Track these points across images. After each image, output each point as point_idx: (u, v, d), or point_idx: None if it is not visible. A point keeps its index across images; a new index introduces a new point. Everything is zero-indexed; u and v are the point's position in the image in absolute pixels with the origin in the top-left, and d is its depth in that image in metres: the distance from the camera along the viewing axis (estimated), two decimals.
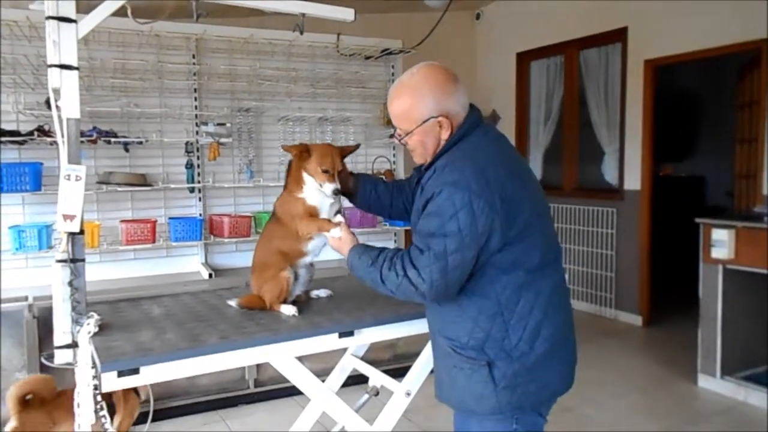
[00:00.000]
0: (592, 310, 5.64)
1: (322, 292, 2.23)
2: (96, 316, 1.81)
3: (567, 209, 5.83)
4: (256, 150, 4.14)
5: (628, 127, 5.26)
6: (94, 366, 1.65)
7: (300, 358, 1.90)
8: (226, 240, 3.90)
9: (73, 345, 1.82)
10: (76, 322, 1.82)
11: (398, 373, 2.16)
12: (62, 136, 1.82)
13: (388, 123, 4.33)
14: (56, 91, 1.82)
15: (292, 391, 3.35)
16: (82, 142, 3.27)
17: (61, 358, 1.84)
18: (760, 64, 4.33)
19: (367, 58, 4.36)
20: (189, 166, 3.88)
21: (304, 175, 1.91)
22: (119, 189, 3.60)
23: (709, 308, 3.78)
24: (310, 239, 1.98)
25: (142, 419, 2.79)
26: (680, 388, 3.89)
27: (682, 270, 5.25)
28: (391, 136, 4.25)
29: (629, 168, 5.28)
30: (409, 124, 1.63)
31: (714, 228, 3.66)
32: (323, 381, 2.28)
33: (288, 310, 2.00)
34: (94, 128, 3.53)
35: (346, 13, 2.23)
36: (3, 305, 3.09)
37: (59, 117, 1.83)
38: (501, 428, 1.62)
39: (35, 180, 3.31)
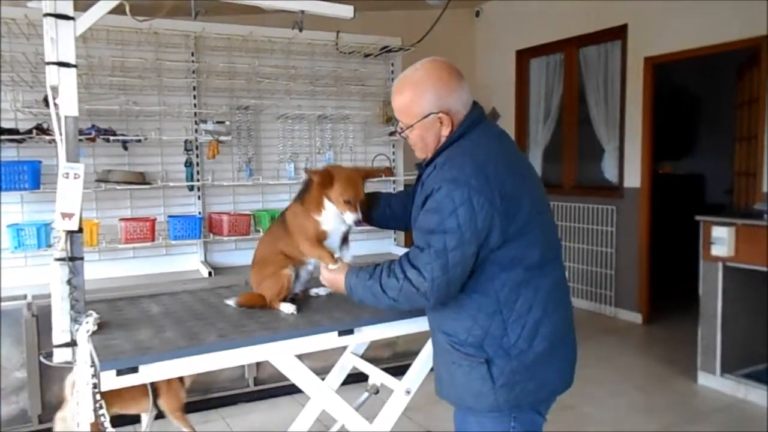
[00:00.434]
0: (591, 307, 5.64)
1: (322, 290, 2.22)
2: (95, 315, 1.81)
3: (566, 207, 5.83)
4: (255, 148, 4.14)
5: (627, 124, 5.25)
6: (93, 365, 1.64)
7: (300, 357, 1.90)
8: (226, 238, 3.89)
9: (72, 343, 1.81)
10: (74, 320, 1.81)
11: (398, 372, 2.16)
12: (60, 134, 1.81)
13: (388, 121, 4.33)
14: (54, 89, 1.81)
15: (292, 390, 3.35)
16: (80, 140, 3.28)
17: (59, 356, 1.83)
18: (760, 61, 4.32)
19: (367, 55, 4.35)
20: (188, 164, 3.87)
21: (325, 200, 1.87)
22: (118, 187, 3.59)
23: (708, 306, 3.78)
24: None
25: (139, 418, 2.79)
26: (680, 386, 3.89)
27: (682, 268, 5.26)
28: (391, 133, 4.24)
29: (629, 166, 5.28)
30: (410, 119, 1.63)
31: (714, 225, 3.66)
32: (323, 379, 2.28)
33: (287, 308, 1.99)
34: (93, 126, 3.52)
35: (346, 11, 2.22)
36: (2, 304, 3.08)
37: (57, 115, 1.82)
38: (499, 426, 1.62)
39: (34, 178, 3.30)
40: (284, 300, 2.03)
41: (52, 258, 1.84)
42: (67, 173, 1.80)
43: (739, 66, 5.11)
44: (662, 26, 4.90)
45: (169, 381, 2.70)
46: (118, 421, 3.13)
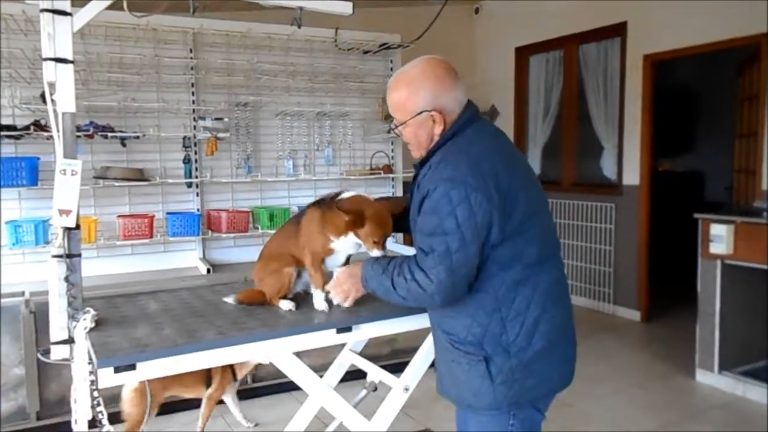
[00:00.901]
0: (590, 305, 5.64)
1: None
2: (92, 312, 1.80)
3: (565, 204, 5.83)
4: (254, 145, 4.13)
5: (627, 122, 5.25)
6: (90, 362, 1.64)
7: (298, 354, 1.89)
8: (224, 235, 3.89)
9: (70, 341, 1.81)
10: (72, 317, 1.80)
11: (397, 369, 2.16)
12: (58, 130, 1.81)
13: (387, 118, 4.32)
14: (51, 85, 1.80)
15: (290, 387, 3.35)
16: (78, 136, 3.26)
17: (57, 353, 1.83)
18: (760, 58, 4.32)
19: (366, 52, 4.35)
20: (186, 161, 3.87)
21: (351, 234, 1.84)
22: (116, 184, 3.59)
23: (707, 303, 3.78)
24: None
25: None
26: (678, 383, 3.90)
27: (681, 265, 5.26)
28: (389, 130, 4.23)
29: (628, 163, 5.28)
30: (403, 115, 1.64)
31: (713, 223, 3.66)
32: (321, 376, 2.28)
33: (286, 305, 1.99)
34: (91, 123, 3.51)
35: (344, 7, 2.21)
36: (0, 300, 3.07)
37: (55, 111, 1.81)
38: (498, 423, 1.61)
39: (32, 175, 3.30)
40: (284, 297, 2.02)
41: (50, 255, 1.84)
42: (65, 170, 1.79)
43: (739, 63, 5.10)
44: (662, 23, 4.89)
45: (223, 369, 2.93)
46: (177, 405, 3.23)
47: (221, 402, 3.15)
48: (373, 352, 2.44)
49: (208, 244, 4.02)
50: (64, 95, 1.79)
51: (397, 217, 1.88)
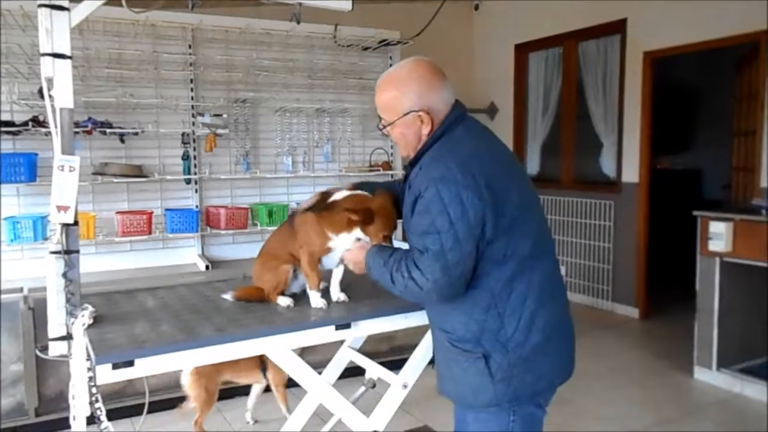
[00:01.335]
0: (588, 302, 5.64)
1: (322, 285, 2.21)
2: (90, 308, 1.80)
3: (564, 201, 5.83)
4: (252, 141, 4.12)
5: (626, 119, 5.24)
6: (88, 358, 1.64)
7: (297, 350, 1.89)
8: (223, 232, 3.88)
9: (68, 337, 1.81)
10: (70, 314, 1.80)
11: (395, 366, 2.16)
12: (55, 126, 1.80)
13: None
14: (49, 81, 1.80)
15: (289, 384, 3.35)
16: (77, 132, 3.27)
17: (55, 350, 1.83)
18: (759, 56, 4.31)
19: (365, 48, 4.34)
20: (185, 157, 3.86)
21: (357, 230, 1.84)
22: (115, 180, 3.58)
23: (705, 301, 3.79)
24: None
25: (137, 411, 2.78)
26: (676, 381, 3.90)
27: (679, 263, 5.26)
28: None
29: (627, 160, 5.27)
30: (391, 116, 1.65)
31: (711, 221, 3.66)
32: (320, 373, 2.28)
33: (284, 301, 1.99)
34: (90, 119, 3.50)
35: (344, 3, 2.20)
36: None
37: (52, 107, 1.81)
38: (498, 421, 1.62)
39: (30, 171, 3.29)
40: (283, 294, 2.02)
41: (48, 251, 1.83)
42: (63, 166, 1.79)
43: (738, 61, 5.10)
44: (661, 21, 4.88)
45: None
46: (228, 391, 3.29)
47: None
48: (372, 348, 2.44)
49: (206, 241, 4.02)
50: (62, 91, 1.79)
51: (397, 206, 1.88)
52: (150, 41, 3.70)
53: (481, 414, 1.63)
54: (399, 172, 4.56)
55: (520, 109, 6.32)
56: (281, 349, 1.85)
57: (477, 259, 1.53)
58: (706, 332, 3.81)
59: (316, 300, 1.96)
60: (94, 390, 1.64)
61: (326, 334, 1.87)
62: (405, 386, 2.02)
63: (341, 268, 2.04)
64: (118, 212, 3.63)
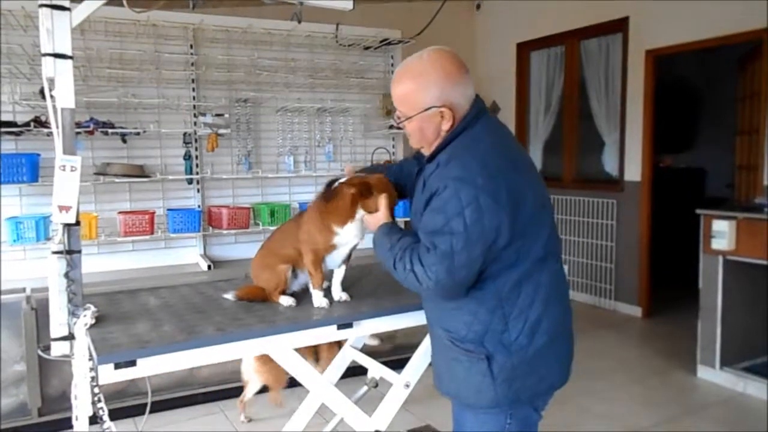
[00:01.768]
0: (591, 301, 5.64)
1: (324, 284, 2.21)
2: (92, 308, 1.80)
3: (567, 200, 5.82)
4: (254, 141, 4.12)
5: (628, 117, 5.23)
6: (90, 358, 1.64)
7: (299, 350, 1.89)
8: (225, 231, 3.88)
9: (70, 337, 1.81)
10: (72, 313, 1.80)
11: (397, 365, 2.16)
12: (57, 126, 1.80)
13: (388, 114, 4.31)
14: (50, 81, 1.80)
15: (291, 383, 3.34)
16: (78, 132, 3.27)
17: (57, 350, 1.83)
18: (761, 54, 4.30)
19: (366, 48, 4.34)
20: (187, 157, 3.86)
21: (359, 211, 1.83)
22: (117, 180, 3.58)
23: (708, 299, 3.78)
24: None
25: (140, 411, 2.79)
26: (679, 379, 3.89)
27: (682, 261, 5.25)
28: (391, 126, 4.23)
29: (629, 159, 5.26)
30: (410, 110, 1.58)
31: (714, 219, 3.65)
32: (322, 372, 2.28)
33: (286, 300, 1.99)
34: (91, 119, 3.51)
35: (345, 2, 2.19)
36: (1, 297, 3.07)
37: (54, 107, 1.81)
38: (495, 422, 1.61)
39: (32, 171, 3.29)
40: (284, 293, 2.02)
41: (50, 251, 1.83)
42: (64, 166, 1.79)
43: (740, 59, 5.08)
44: (663, 19, 4.87)
45: (329, 346, 2.94)
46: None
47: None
48: (374, 348, 2.44)
49: (208, 241, 4.02)
50: (64, 91, 1.79)
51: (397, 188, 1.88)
52: (151, 41, 3.70)
53: (480, 415, 1.62)
54: None
55: (522, 108, 6.31)
56: (283, 348, 1.85)
57: (486, 262, 1.50)
58: (709, 331, 3.80)
59: (318, 299, 1.97)
60: (96, 390, 1.64)
61: (328, 334, 1.87)
62: (407, 385, 2.02)
63: (343, 267, 2.04)
64: (120, 212, 3.63)
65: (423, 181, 1.60)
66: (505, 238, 1.48)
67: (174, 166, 3.85)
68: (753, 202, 4.01)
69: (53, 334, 1.82)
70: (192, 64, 3.84)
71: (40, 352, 1.91)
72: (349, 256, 2.02)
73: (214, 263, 3.81)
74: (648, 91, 5.05)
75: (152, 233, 3.65)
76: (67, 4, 1.77)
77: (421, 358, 2.05)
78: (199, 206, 3.93)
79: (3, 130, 3.25)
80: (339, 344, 3.01)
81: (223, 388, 3.57)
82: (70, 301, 1.81)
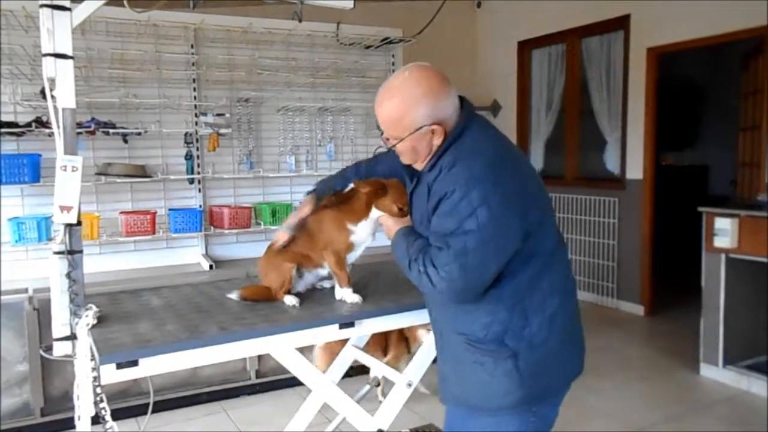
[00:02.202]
0: (593, 299, 5.63)
1: (326, 283, 2.21)
2: (94, 308, 1.80)
3: (568, 199, 5.81)
4: (255, 140, 4.12)
5: (630, 115, 5.22)
6: (93, 358, 1.64)
7: (301, 349, 1.89)
8: (227, 231, 3.88)
9: (72, 337, 1.81)
10: (74, 314, 1.80)
11: None
12: (58, 126, 1.80)
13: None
14: (51, 81, 1.80)
15: (294, 382, 3.35)
16: (80, 133, 3.27)
17: (59, 350, 1.83)
18: (764, 51, 4.29)
19: (367, 47, 4.32)
20: (188, 157, 3.86)
21: (373, 210, 1.87)
22: (118, 180, 3.58)
23: (711, 297, 3.77)
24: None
25: (142, 411, 2.79)
26: (682, 378, 3.89)
27: (684, 259, 5.24)
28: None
29: (631, 157, 5.25)
30: (400, 132, 1.55)
31: (717, 217, 3.64)
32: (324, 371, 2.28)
33: (290, 300, 1.99)
34: (93, 119, 3.50)
35: (345, 1, 2.19)
36: (3, 297, 3.08)
37: (55, 107, 1.81)
38: (519, 422, 1.59)
39: (34, 171, 3.29)
40: (289, 292, 2.02)
41: (52, 251, 1.83)
42: (65, 166, 1.79)
43: (743, 56, 5.07)
44: (665, 16, 4.85)
45: (398, 340, 3.04)
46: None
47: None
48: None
49: (210, 240, 4.02)
50: (65, 91, 1.79)
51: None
52: (152, 41, 3.70)
53: (503, 416, 1.58)
54: None
55: (523, 107, 6.30)
56: (285, 347, 1.84)
57: (501, 264, 1.48)
58: (711, 329, 3.79)
59: (350, 296, 1.99)
60: (98, 390, 1.64)
61: (330, 333, 1.87)
62: (410, 385, 2.02)
63: (349, 268, 2.06)
64: (121, 212, 3.63)
65: (427, 188, 1.57)
66: (518, 236, 1.48)
67: (175, 166, 3.85)
68: (755, 199, 4.00)
69: (55, 334, 1.83)
70: (193, 64, 3.84)
71: (43, 353, 1.91)
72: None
73: (216, 263, 3.81)
74: (650, 89, 5.04)
75: (154, 233, 3.65)
76: (67, 4, 1.77)
77: (424, 357, 2.05)
78: (200, 206, 3.92)
79: (4, 130, 3.25)
80: (406, 340, 3.09)
81: (225, 388, 3.57)
82: (72, 301, 1.81)
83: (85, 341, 1.69)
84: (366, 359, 2.40)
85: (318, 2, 2.13)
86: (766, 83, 4.29)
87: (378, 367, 2.23)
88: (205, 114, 3.84)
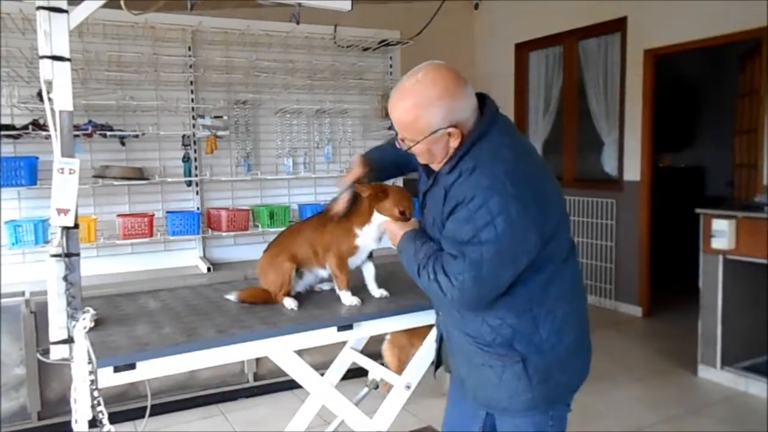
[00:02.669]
0: (591, 301, 5.63)
1: (325, 285, 2.21)
2: (92, 311, 1.80)
3: (566, 200, 5.81)
4: (253, 143, 4.11)
5: (627, 117, 5.23)
6: (90, 361, 1.63)
7: (299, 352, 1.89)
8: (224, 234, 3.87)
9: (69, 340, 1.80)
10: (71, 317, 1.80)
11: None
12: (55, 129, 1.80)
13: (387, 115, 4.29)
14: (48, 84, 1.79)
15: (292, 385, 3.35)
16: (77, 135, 3.26)
17: (56, 353, 1.82)
18: (761, 52, 4.30)
19: (365, 49, 4.33)
20: (186, 159, 3.85)
21: (375, 214, 1.89)
22: (116, 183, 3.57)
23: (709, 298, 3.77)
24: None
25: (140, 414, 2.78)
26: (680, 379, 3.89)
27: (682, 261, 5.25)
28: (390, 127, 4.21)
29: (629, 159, 5.26)
30: (416, 135, 1.51)
31: (714, 218, 3.65)
32: (323, 374, 2.27)
33: (289, 303, 1.99)
34: (90, 122, 3.50)
35: (343, 3, 2.19)
36: (0, 300, 3.07)
37: (52, 110, 1.80)
38: (536, 424, 1.58)
39: (31, 174, 3.28)
40: (288, 294, 2.02)
41: (49, 254, 1.82)
42: (62, 168, 1.78)
43: (739, 57, 5.08)
44: (662, 18, 4.87)
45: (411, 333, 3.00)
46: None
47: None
48: (375, 349, 2.44)
49: (208, 243, 4.01)
50: (61, 93, 1.78)
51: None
52: (149, 43, 3.70)
53: (518, 419, 1.58)
54: None
55: (520, 108, 6.31)
56: (284, 349, 1.84)
57: (516, 273, 1.46)
58: (709, 330, 3.79)
59: (348, 298, 1.99)
60: (95, 393, 1.63)
61: (328, 336, 1.87)
62: (408, 387, 2.01)
63: (371, 265, 2.07)
64: (119, 215, 3.62)
65: (444, 190, 1.52)
66: (536, 246, 1.45)
67: (173, 169, 3.84)
68: (753, 200, 4.00)
69: (52, 337, 1.82)
70: (190, 66, 3.83)
71: (40, 356, 1.90)
72: (371, 254, 2.05)
73: (214, 265, 3.80)
74: (647, 91, 5.05)
75: (151, 236, 3.64)
76: (64, 6, 1.77)
77: (422, 359, 2.04)
78: (198, 208, 3.92)
79: (1, 133, 3.24)
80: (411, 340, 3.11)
81: (223, 391, 3.56)
82: (69, 304, 1.80)
83: (82, 344, 1.69)
84: (364, 361, 2.39)
85: (315, 4, 2.13)
86: (763, 84, 4.31)
87: (376, 370, 2.23)
88: (202, 116, 3.83)
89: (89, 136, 3.47)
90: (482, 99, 1.57)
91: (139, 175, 3.66)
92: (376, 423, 1.98)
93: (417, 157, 1.61)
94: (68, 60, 1.78)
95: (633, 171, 5.23)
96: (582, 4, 5.48)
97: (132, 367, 1.58)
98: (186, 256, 3.94)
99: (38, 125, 3.29)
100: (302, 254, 2.03)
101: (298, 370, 1.91)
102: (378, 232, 1.93)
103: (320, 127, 4.34)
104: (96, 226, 3.50)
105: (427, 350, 2.01)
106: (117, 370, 1.56)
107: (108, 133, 3.54)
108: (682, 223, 4.80)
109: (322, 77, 4.24)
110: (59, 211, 1.79)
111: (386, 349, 2.96)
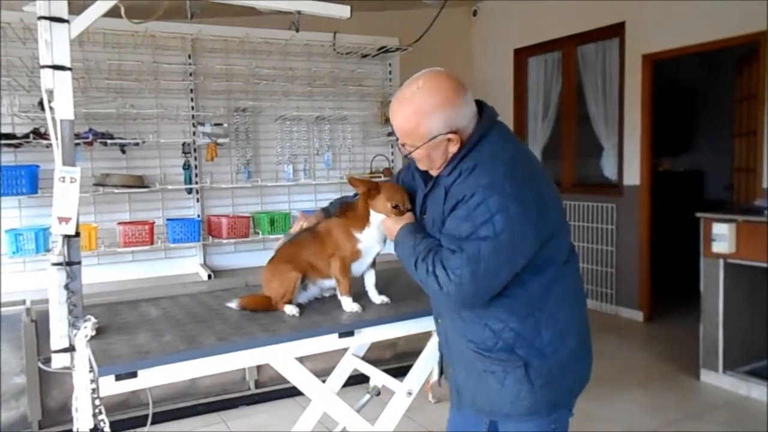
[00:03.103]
0: (592, 306, 5.62)
1: (326, 293, 2.21)
2: (93, 320, 1.79)
3: (566, 205, 5.81)
4: (253, 150, 4.13)
5: (626, 122, 5.24)
6: (91, 370, 1.63)
7: (300, 359, 1.89)
8: (225, 241, 3.88)
9: (70, 349, 1.80)
10: (72, 325, 1.80)
11: (399, 373, 2.15)
12: (56, 137, 1.80)
13: (386, 121, 4.31)
14: (49, 93, 1.80)
15: (293, 392, 3.34)
16: (77, 144, 3.26)
17: (58, 362, 1.82)
18: (759, 57, 4.31)
19: (364, 56, 4.35)
20: (186, 166, 3.86)
21: (372, 214, 1.88)
22: (116, 191, 3.58)
23: (710, 303, 3.77)
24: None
25: (141, 422, 2.78)
26: (682, 383, 3.88)
27: (683, 265, 5.24)
28: (390, 134, 4.23)
29: (628, 163, 5.27)
30: (416, 141, 1.54)
31: (714, 222, 3.65)
32: (324, 381, 2.27)
33: (290, 310, 1.99)
34: (90, 130, 3.51)
35: (342, 11, 2.21)
36: (1, 309, 3.07)
37: (53, 118, 1.81)
38: (539, 428, 1.58)
39: (31, 183, 3.29)
40: (289, 303, 2.02)
41: (50, 263, 1.83)
42: (64, 177, 1.79)
43: (738, 61, 5.10)
44: (660, 23, 4.89)
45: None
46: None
47: None
48: (376, 356, 2.43)
49: (208, 250, 4.02)
50: (63, 102, 1.79)
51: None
52: (150, 52, 3.71)
53: (522, 424, 1.58)
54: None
55: (520, 114, 6.32)
56: (285, 357, 1.84)
57: (513, 273, 1.47)
58: (711, 334, 3.79)
59: (349, 305, 1.99)
60: (97, 402, 1.63)
61: (330, 342, 1.86)
62: (410, 393, 2.01)
63: (372, 272, 2.07)
64: (119, 223, 3.63)
65: (444, 190, 1.55)
66: (533, 246, 1.46)
67: (173, 176, 3.85)
68: (752, 204, 4.01)
69: (53, 346, 1.82)
70: (190, 74, 3.85)
71: (41, 365, 1.90)
72: (374, 261, 2.05)
73: (215, 272, 3.80)
74: (645, 95, 5.06)
75: (152, 243, 3.65)
76: (65, 16, 1.77)
77: (424, 365, 2.04)
78: (198, 216, 3.92)
79: (2, 142, 3.26)
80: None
81: (224, 398, 3.55)
82: (70, 312, 1.80)
83: (83, 353, 1.68)
84: (366, 368, 2.39)
85: (315, 12, 2.14)
86: (761, 88, 4.32)
87: (378, 376, 2.23)
88: (202, 124, 3.85)
89: (90, 144, 3.49)
90: (481, 106, 1.60)
91: (140, 182, 3.67)
92: (378, 430, 1.97)
93: (417, 163, 1.64)
94: (69, 69, 1.79)
95: (632, 175, 5.24)
96: (580, 9, 5.50)
97: (133, 375, 1.58)
98: (187, 264, 3.94)
99: (39, 134, 3.30)
100: (308, 264, 2.02)
101: (299, 377, 1.91)
102: (379, 233, 1.92)
103: (320, 134, 4.36)
104: (97, 234, 3.51)
105: (428, 356, 2.01)
106: (118, 378, 1.56)
107: (108, 141, 3.55)
108: (682, 227, 4.80)
109: (322, 84, 4.25)
110: (60, 219, 1.79)
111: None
